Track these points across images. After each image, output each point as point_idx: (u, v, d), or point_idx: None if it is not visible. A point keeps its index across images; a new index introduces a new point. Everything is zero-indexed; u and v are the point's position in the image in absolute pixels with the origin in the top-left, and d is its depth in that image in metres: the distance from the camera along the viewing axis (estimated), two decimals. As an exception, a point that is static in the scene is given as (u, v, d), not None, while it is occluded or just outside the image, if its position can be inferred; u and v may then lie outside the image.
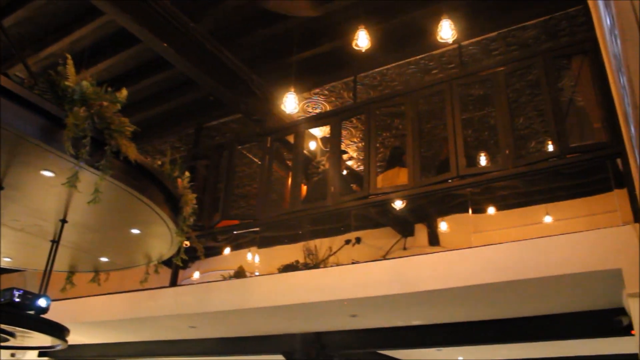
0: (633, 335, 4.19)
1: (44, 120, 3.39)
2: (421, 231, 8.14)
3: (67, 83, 3.63)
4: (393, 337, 6.53)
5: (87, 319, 7.19)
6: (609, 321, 5.39)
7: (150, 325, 7.25)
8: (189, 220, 4.69)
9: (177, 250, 4.98)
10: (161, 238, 4.82)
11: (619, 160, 4.96)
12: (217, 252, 9.31)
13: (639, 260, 4.10)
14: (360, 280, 5.22)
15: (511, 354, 8.51)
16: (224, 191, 6.96)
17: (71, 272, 5.67)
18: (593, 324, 5.64)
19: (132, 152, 3.84)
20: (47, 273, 4.50)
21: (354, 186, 7.14)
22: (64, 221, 4.40)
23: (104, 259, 5.42)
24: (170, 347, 8.31)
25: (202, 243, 5.55)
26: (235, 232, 7.84)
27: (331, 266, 6.24)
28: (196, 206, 4.79)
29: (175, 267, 6.98)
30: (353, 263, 5.69)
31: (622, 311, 5.31)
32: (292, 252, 7.72)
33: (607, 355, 8.25)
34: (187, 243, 6.02)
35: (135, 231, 4.73)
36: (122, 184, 3.86)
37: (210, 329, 7.18)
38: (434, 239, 7.85)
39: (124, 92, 3.94)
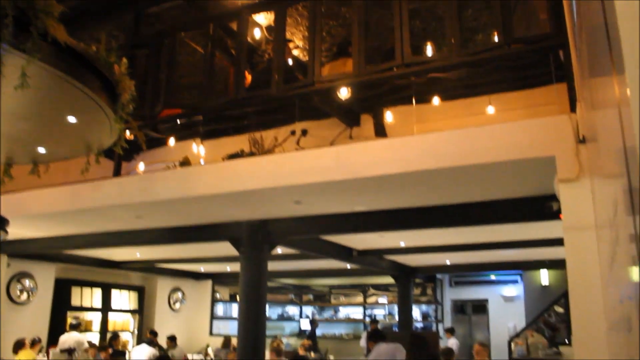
0: (561, 219, 4.41)
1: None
2: (367, 122, 8.20)
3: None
4: (337, 223, 6.73)
5: (31, 212, 7.10)
6: (541, 206, 5.68)
7: (96, 216, 7.22)
8: (127, 107, 4.53)
9: (117, 138, 4.85)
10: (99, 126, 4.66)
11: (561, 53, 5.01)
12: (162, 143, 9.19)
13: (572, 148, 4.24)
14: (304, 166, 5.26)
15: (450, 239, 8.95)
16: (165, 80, 6.73)
17: (8, 165, 5.49)
18: (527, 209, 5.94)
19: (61, 34, 3.61)
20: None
21: (299, 76, 7.02)
22: (-8, 109, 4.18)
23: (41, 150, 5.24)
24: (118, 237, 8.37)
25: (144, 133, 5.43)
26: (179, 122, 7.70)
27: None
28: (135, 93, 4.63)
29: (118, 157, 6.86)
30: (297, 150, 5.71)
31: (553, 197, 5.60)
32: (237, 143, 7.70)
33: (538, 240, 8.78)
34: (130, 136, 5.90)
35: (71, 119, 4.56)
36: (52, 68, 3.66)
37: (156, 218, 7.22)
38: (380, 130, 7.93)
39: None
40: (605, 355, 3.60)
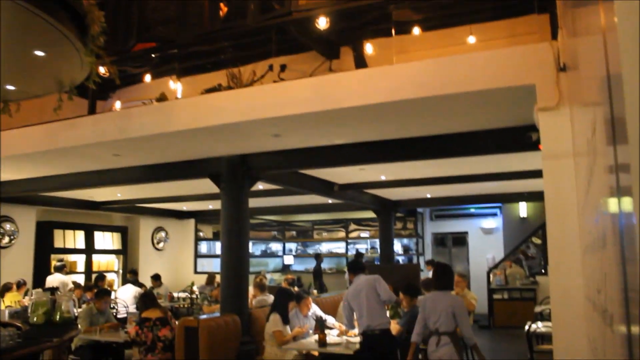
0: (540, 150, 4.42)
1: None
2: (347, 54, 8.04)
3: None
4: (316, 157, 6.71)
5: (5, 153, 6.94)
6: (521, 137, 5.69)
7: (72, 156, 7.11)
8: (98, 40, 4.38)
9: (88, 73, 4.71)
10: (69, 60, 4.51)
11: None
12: (138, 80, 8.97)
13: (553, 76, 4.21)
14: (283, 98, 5.17)
15: (431, 172, 8.99)
16: (137, 13, 6.50)
17: (-24, 104, 5.33)
18: (507, 140, 5.96)
19: (22, -39, 3.44)
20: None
21: (276, 6, 6.82)
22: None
23: (10, 87, 5.08)
24: (97, 177, 8.28)
25: (118, 68, 5.29)
26: (154, 57, 7.50)
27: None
28: (105, 25, 4.46)
29: (92, 94, 6.71)
30: (275, 82, 5.61)
31: (533, 128, 5.60)
32: (215, 78, 7.51)
33: (518, 172, 8.86)
34: (105, 72, 5.73)
35: (39, 53, 4.40)
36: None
37: (135, 156, 7.13)
38: (360, 62, 7.78)
39: None
40: (579, 278, 3.69)
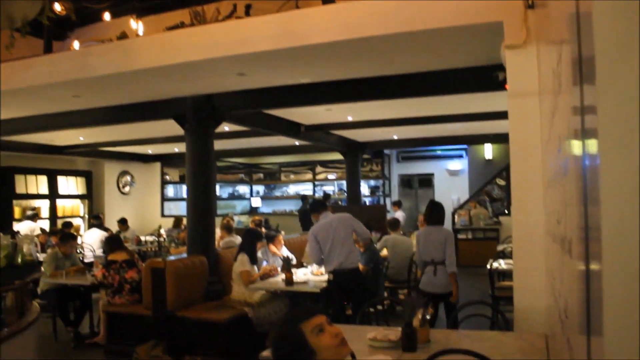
0: (506, 89, 4.42)
1: None
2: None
3: None
4: (282, 96, 6.61)
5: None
6: (487, 77, 5.69)
7: (29, 97, 6.87)
8: (49, -29, 4.16)
9: (41, 8, 4.49)
10: (20, -7, 4.29)
11: None
12: (97, 19, 8.63)
13: (520, 13, 4.16)
14: (247, 35, 5.02)
15: (397, 112, 8.99)
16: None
17: None
18: (473, 79, 5.95)
19: None
20: None
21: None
22: None
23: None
24: (57, 120, 8.05)
25: (75, 4, 5.05)
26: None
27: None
28: (57, -45, 4.24)
29: (48, 32, 6.43)
30: (239, 18, 5.45)
31: (499, 67, 5.59)
32: (178, 17, 7.27)
33: (483, 113, 8.91)
34: (62, 11, 5.47)
35: (-14, -15, 4.16)
36: None
37: (96, 97, 6.92)
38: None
39: None
40: (540, 215, 3.77)
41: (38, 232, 10.25)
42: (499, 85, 5.65)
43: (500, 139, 11.97)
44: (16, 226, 10.53)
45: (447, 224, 12.87)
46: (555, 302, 2.30)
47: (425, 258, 5.58)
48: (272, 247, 7.00)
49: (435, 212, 5.76)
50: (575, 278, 1.26)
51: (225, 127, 9.11)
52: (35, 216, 11.08)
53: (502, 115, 7.90)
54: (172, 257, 7.12)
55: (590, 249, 0.95)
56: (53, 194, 12.98)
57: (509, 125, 4.20)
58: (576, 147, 1.18)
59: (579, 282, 1.13)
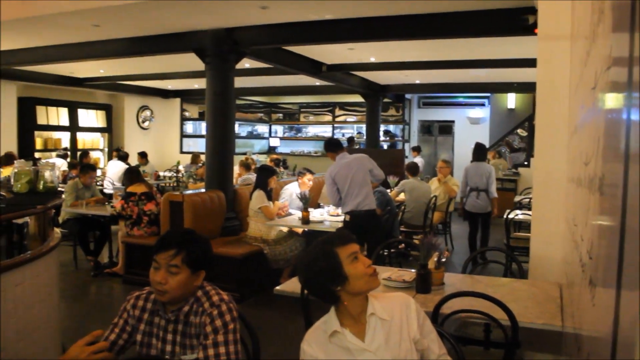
0: (536, 34, 4.26)
1: None
2: None
3: None
4: (305, 32, 6.45)
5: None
6: (516, 19, 5.51)
7: (49, 25, 6.80)
8: None
9: None
10: None
11: None
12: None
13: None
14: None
15: (420, 55, 8.78)
16: None
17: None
18: (501, 22, 5.76)
19: None
20: None
21: None
22: None
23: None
24: (77, 50, 7.97)
25: None
26: None
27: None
28: None
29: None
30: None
31: (529, 10, 5.40)
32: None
33: (508, 60, 8.67)
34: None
35: None
36: None
37: (116, 27, 6.83)
38: None
39: None
40: (563, 161, 3.71)
41: (65, 168, 10.32)
42: (528, 29, 5.47)
43: (525, 87, 11.71)
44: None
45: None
46: (575, 248, 2.27)
47: (471, 185, 7.54)
48: (303, 180, 7.04)
49: (480, 152, 7.79)
50: (606, 215, 1.22)
51: (246, 64, 8.98)
52: (66, 156, 11.53)
53: (528, 62, 7.74)
54: (190, 191, 7.17)
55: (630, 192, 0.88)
56: (73, 126, 13.04)
57: (537, 70, 4.07)
58: (616, 100, 1.10)
59: (612, 219, 1.09)
